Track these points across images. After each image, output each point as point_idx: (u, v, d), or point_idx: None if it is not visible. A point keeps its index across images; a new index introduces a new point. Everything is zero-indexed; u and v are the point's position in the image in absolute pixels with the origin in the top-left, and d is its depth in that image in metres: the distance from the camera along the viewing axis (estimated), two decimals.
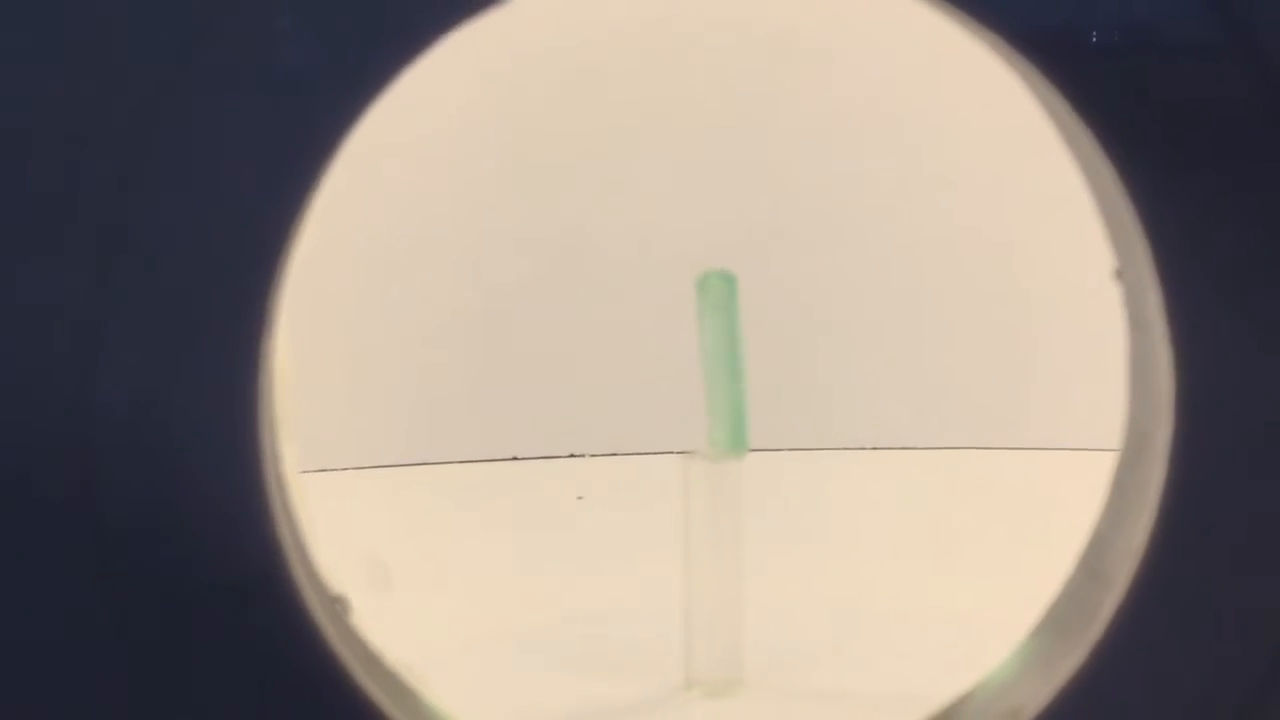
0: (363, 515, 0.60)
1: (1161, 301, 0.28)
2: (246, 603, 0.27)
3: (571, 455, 0.72)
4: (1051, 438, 0.67)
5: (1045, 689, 0.28)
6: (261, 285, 0.27)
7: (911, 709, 0.32)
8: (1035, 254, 0.67)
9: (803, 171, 0.69)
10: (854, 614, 0.49)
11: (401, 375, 0.71)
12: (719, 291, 0.45)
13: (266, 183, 0.27)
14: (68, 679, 0.27)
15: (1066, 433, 0.66)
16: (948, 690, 0.32)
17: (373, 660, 0.29)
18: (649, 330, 0.69)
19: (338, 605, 0.29)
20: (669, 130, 0.69)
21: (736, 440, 0.44)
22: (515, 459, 0.72)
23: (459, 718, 0.31)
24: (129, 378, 0.26)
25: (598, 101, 0.68)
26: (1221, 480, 0.28)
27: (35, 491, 0.26)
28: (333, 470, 0.66)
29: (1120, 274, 0.30)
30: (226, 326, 0.27)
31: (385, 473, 0.71)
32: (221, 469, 0.26)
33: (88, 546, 0.27)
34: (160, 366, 0.26)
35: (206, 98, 0.27)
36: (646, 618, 0.50)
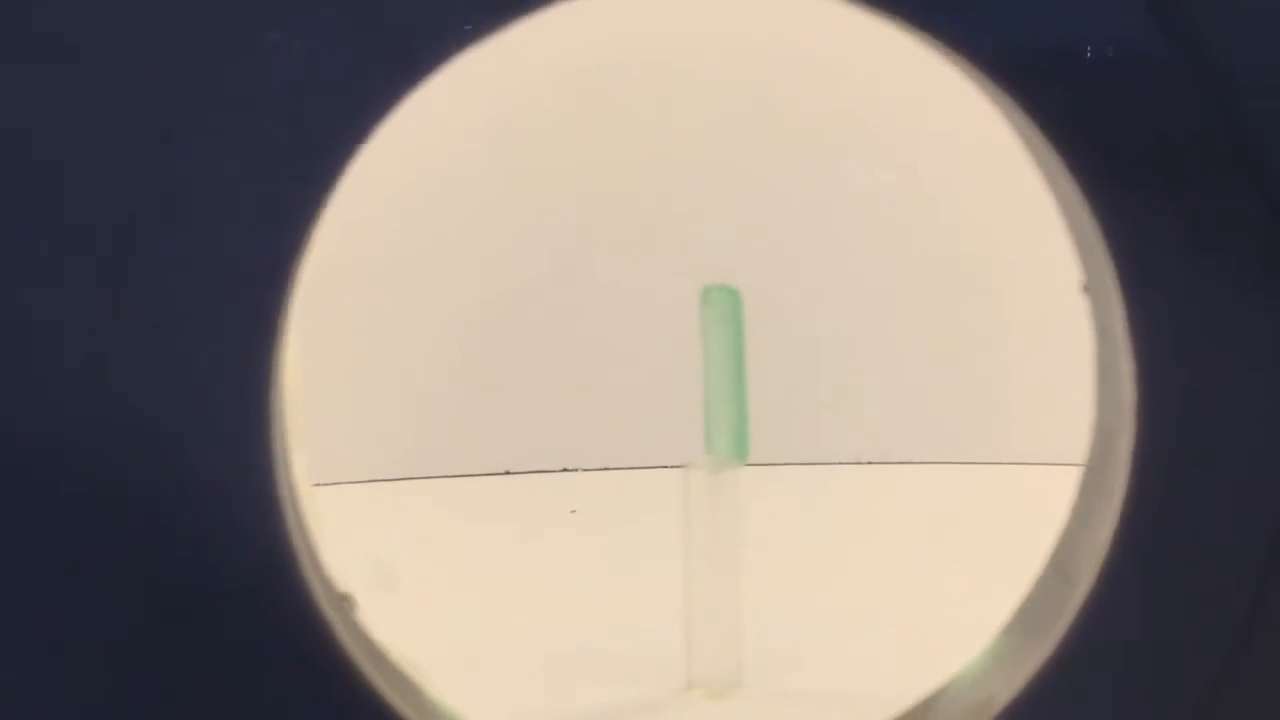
0: (363, 527, 0.61)
1: (1124, 313, 0.30)
2: (259, 599, 0.28)
3: (564, 470, 0.73)
4: (1029, 452, 0.69)
5: (1016, 680, 0.30)
6: (274, 296, 0.28)
7: (900, 704, 0.34)
8: (1013, 271, 0.69)
9: (783, 190, 0.71)
10: (847, 618, 0.51)
11: (401, 389, 0.72)
12: (724, 304, 0.47)
13: (278, 196, 0.28)
14: (91, 676, 0.29)
15: (1044, 447, 0.67)
16: (933, 688, 0.33)
17: (378, 656, 0.31)
18: (639, 347, 0.71)
19: (345, 602, 0.31)
20: (660, 154, 0.71)
21: (739, 447, 0.46)
22: (508, 473, 0.73)
23: (461, 713, 0.33)
24: (143, 383, 0.28)
25: (600, 121, 0.70)
26: (1180, 484, 0.29)
27: (53, 497, 0.28)
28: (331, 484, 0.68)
29: (1087, 288, 0.31)
30: (239, 335, 0.28)
31: (388, 486, 0.73)
32: (236, 474, 0.28)
33: (108, 547, 0.28)
34: (174, 373, 0.28)
35: (219, 111, 0.28)
36: (647, 623, 0.51)
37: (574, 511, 0.67)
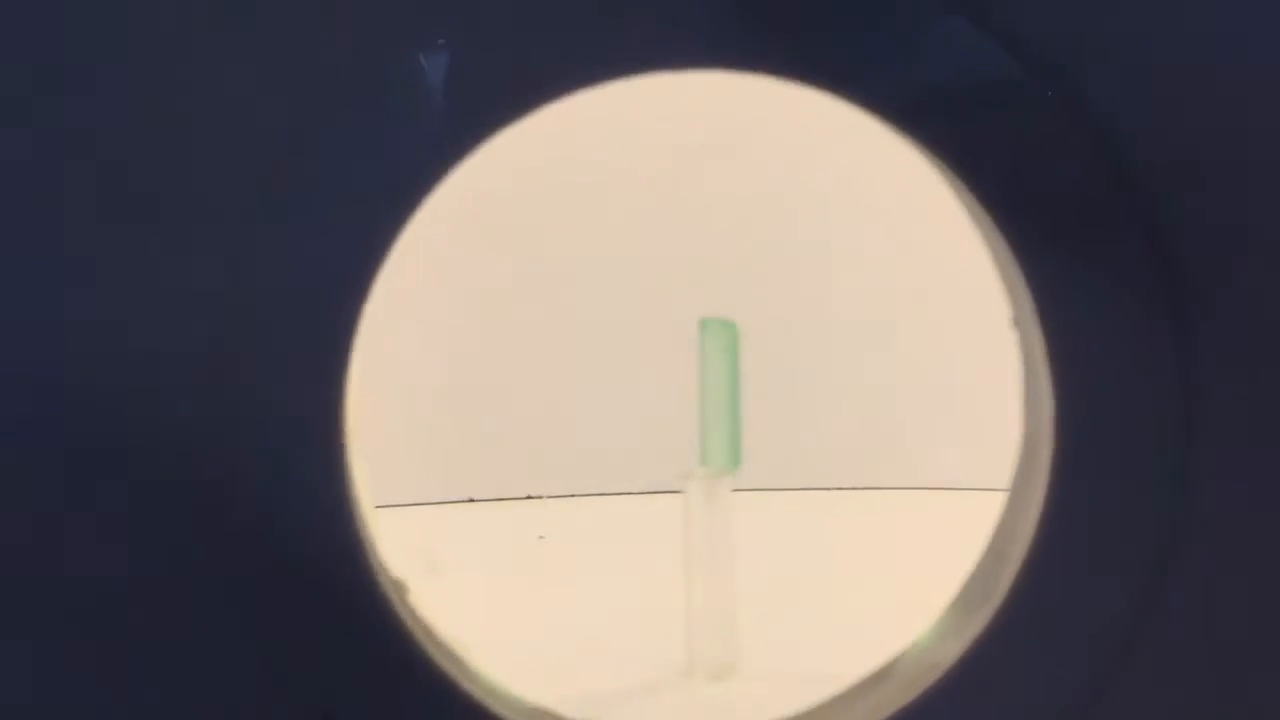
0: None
1: (1043, 343, 0.36)
2: (336, 582, 0.35)
3: (574, 495, 0.79)
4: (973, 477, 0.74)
5: (958, 647, 0.36)
6: (354, 304, 0.35)
7: None
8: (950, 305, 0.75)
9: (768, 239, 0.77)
10: (830, 610, 0.57)
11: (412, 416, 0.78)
12: (721, 335, 0.54)
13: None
14: (196, 656, 0.35)
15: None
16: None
17: (428, 631, 0.37)
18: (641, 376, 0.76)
19: (399, 586, 0.37)
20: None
21: (733, 457, 0.52)
22: (529, 497, 0.79)
23: (503, 683, 0.39)
24: (246, 388, 0.34)
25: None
26: (1093, 484, 0.36)
27: (171, 496, 0.35)
28: None
29: (1015, 321, 0.37)
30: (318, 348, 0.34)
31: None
32: (321, 477, 0.34)
33: (215, 539, 0.35)
34: (272, 382, 0.34)
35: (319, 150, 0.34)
36: (651, 618, 0.57)
37: (541, 537, 0.72)
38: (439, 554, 0.54)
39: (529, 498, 0.79)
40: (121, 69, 0.34)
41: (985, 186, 0.35)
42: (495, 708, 0.36)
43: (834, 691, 0.39)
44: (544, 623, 0.59)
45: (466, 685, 0.36)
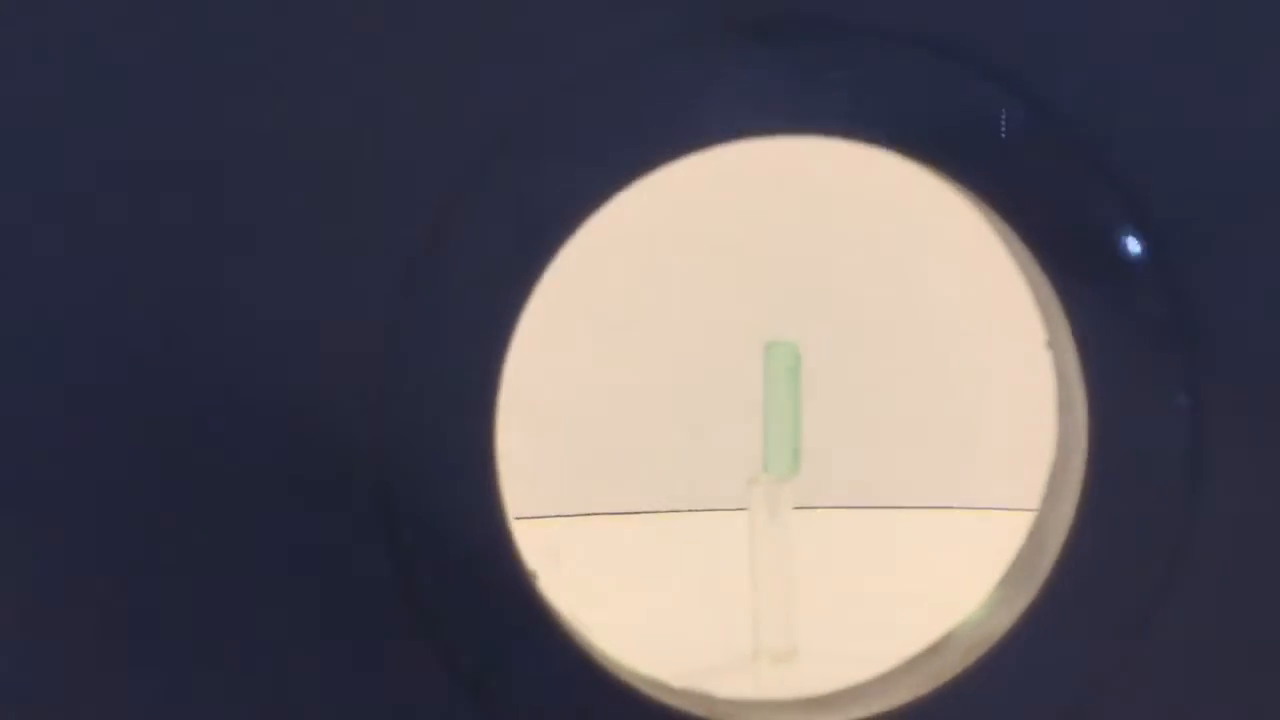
0: None
1: (1077, 363, 0.42)
2: (488, 569, 0.41)
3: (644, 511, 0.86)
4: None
5: (1007, 619, 0.43)
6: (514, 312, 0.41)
7: None
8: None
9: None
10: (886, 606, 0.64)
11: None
12: (785, 357, 0.60)
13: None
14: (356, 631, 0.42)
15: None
16: None
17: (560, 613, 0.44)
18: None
19: (532, 575, 0.44)
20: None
21: (794, 464, 0.59)
22: (596, 514, 0.86)
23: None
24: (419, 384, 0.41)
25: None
26: (1118, 483, 0.42)
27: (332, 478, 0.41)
28: None
29: (1050, 344, 0.44)
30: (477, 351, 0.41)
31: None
32: (474, 472, 0.41)
33: (378, 529, 0.41)
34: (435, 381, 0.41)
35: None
36: (716, 616, 0.64)
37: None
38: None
39: (603, 513, 0.85)
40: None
41: (1023, 225, 0.42)
42: (635, 684, 0.43)
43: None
44: (613, 624, 0.65)
45: (602, 662, 0.43)
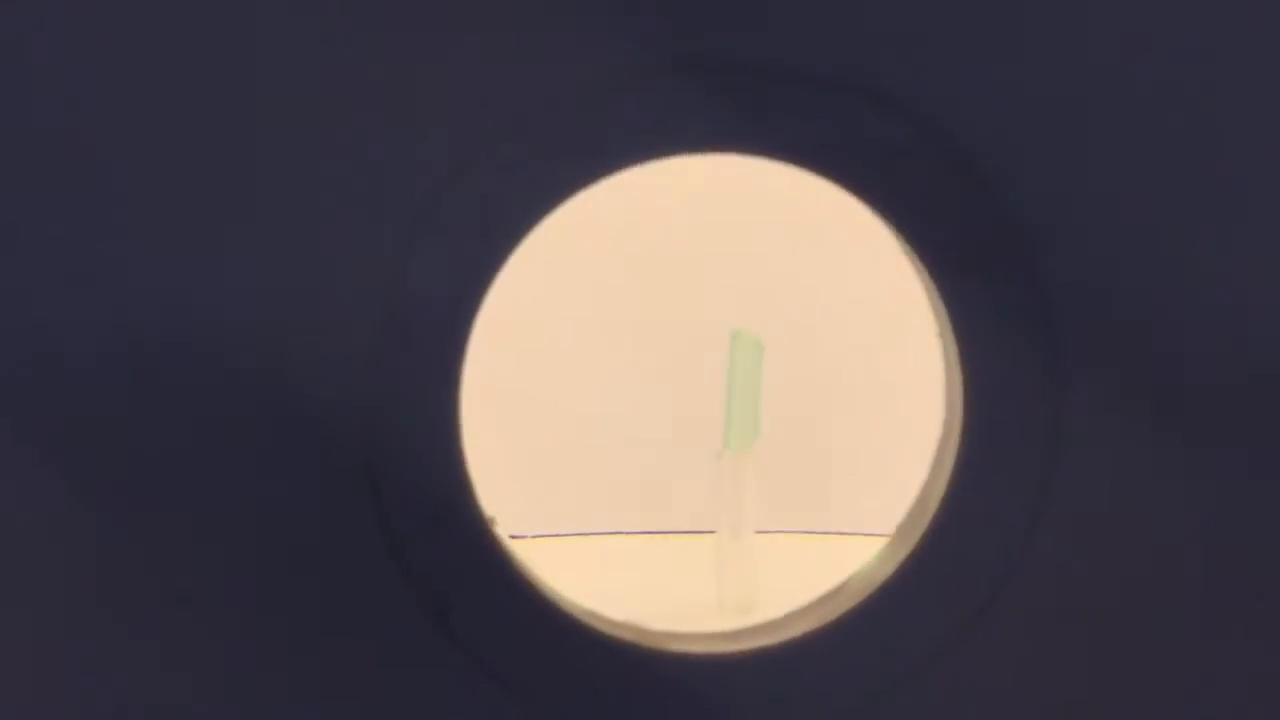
0: None
1: (955, 351, 0.50)
2: (450, 517, 0.49)
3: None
4: None
5: (888, 570, 0.50)
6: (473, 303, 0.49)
7: None
8: None
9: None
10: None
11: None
12: (751, 347, 0.68)
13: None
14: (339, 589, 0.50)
15: None
16: None
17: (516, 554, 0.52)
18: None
19: (490, 522, 0.52)
20: None
21: (754, 436, 0.67)
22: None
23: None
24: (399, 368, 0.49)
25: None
26: (990, 453, 0.50)
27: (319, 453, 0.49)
28: None
29: (940, 334, 0.51)
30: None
31: None
32: (439, 436, 0.49)
33: (366, 496, 0.49)
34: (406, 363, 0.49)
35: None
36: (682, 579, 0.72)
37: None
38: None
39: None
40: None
41: (907, 229, 0.49)
42: (576, 614, 0.51)
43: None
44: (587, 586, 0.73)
45: (548, 594, 0.51)
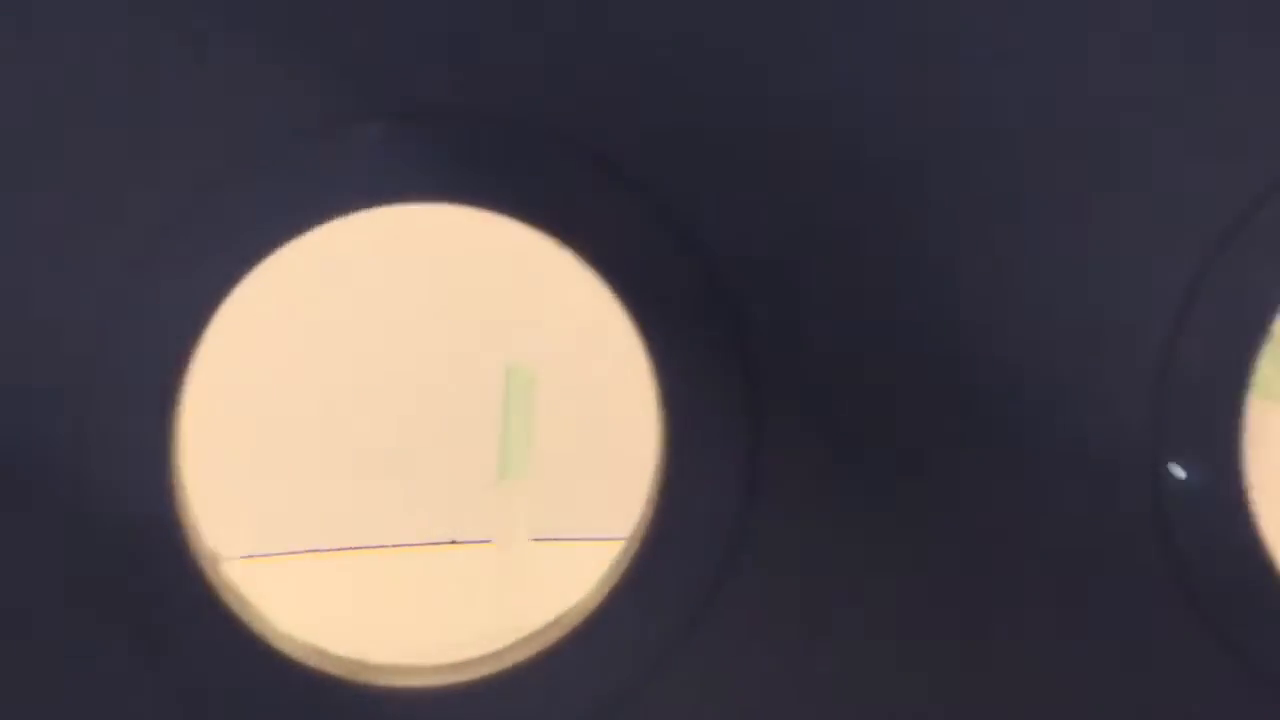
0: None
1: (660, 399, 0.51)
2: (160, 554, 0.51)
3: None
4: None
5: (598, 600, 0.52)
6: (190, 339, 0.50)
7: None
8: None
9: None
10: None
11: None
12: (524, 380, 0.70)
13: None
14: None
15: None
16: None
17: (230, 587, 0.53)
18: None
19: (215, 557, 0.53)
20: None
21: (522, 468, 0.69)
22: None
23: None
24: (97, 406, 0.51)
25: None
26: (690, 482, 0.51)
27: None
28: None
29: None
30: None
31: None
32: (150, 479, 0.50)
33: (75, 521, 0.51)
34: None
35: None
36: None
37: None
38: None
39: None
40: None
41: (604, 269, 0.51)
42: (294, 652, 0.52)
43: None
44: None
45: (266, 632, 0.52)
